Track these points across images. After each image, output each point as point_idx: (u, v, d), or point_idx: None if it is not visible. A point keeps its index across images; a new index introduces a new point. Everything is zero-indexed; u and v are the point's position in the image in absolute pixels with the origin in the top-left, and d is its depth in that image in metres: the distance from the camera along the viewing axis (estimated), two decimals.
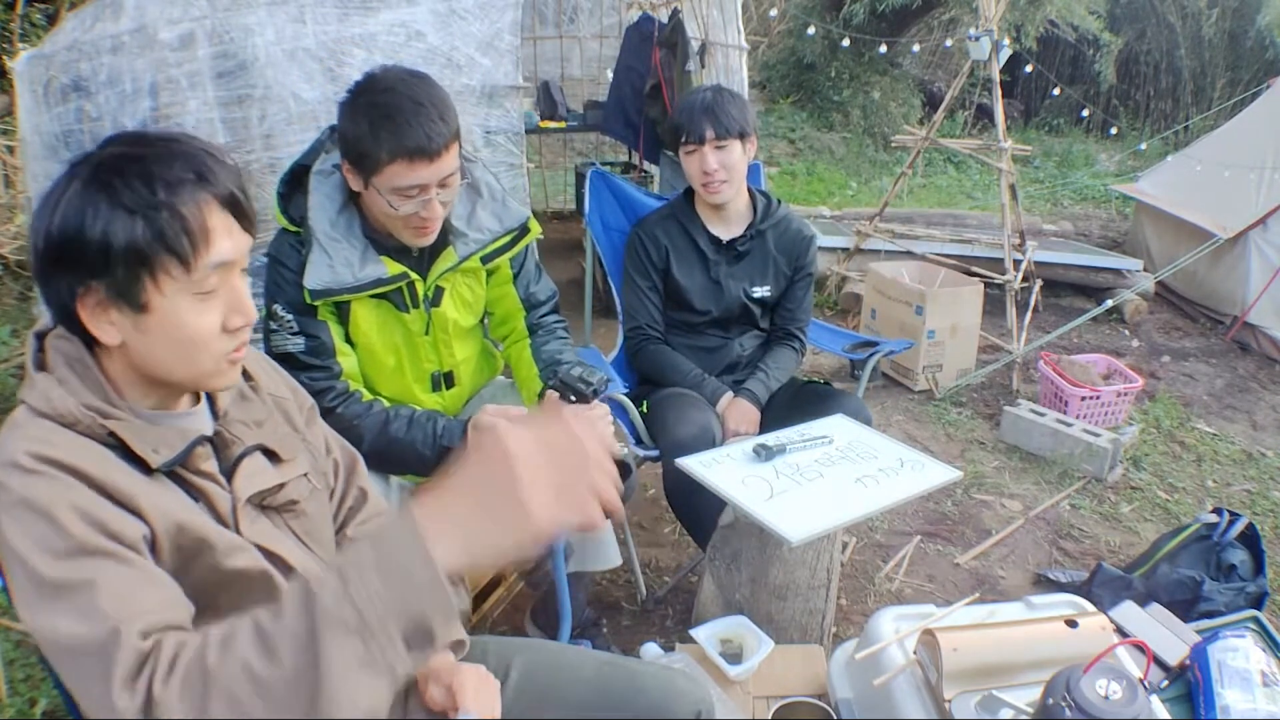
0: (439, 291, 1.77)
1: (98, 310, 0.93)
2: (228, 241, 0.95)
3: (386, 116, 1.50)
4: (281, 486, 1.11)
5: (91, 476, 0.90)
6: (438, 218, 1.63)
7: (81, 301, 0.93)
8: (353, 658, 0.72)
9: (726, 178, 2.24)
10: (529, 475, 0.74)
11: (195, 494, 1.01)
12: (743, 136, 2.24)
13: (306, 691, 0.73)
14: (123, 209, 0.89)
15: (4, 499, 0.87)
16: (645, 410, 2.23)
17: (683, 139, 2.24)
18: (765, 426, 2.24)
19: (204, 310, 0.96)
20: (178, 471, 0.99)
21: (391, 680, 0.73)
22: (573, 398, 1.65)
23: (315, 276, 1.61)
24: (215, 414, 1.08)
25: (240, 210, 0.97)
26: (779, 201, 2.44)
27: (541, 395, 1.81)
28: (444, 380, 1.86)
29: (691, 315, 2.39)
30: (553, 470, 0.75)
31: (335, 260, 1.62)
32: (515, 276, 1.91)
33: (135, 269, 0.91)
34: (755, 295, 2.38)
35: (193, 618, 0.90)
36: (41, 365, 0.97)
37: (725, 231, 2.37)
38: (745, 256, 2.37)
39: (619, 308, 2.48)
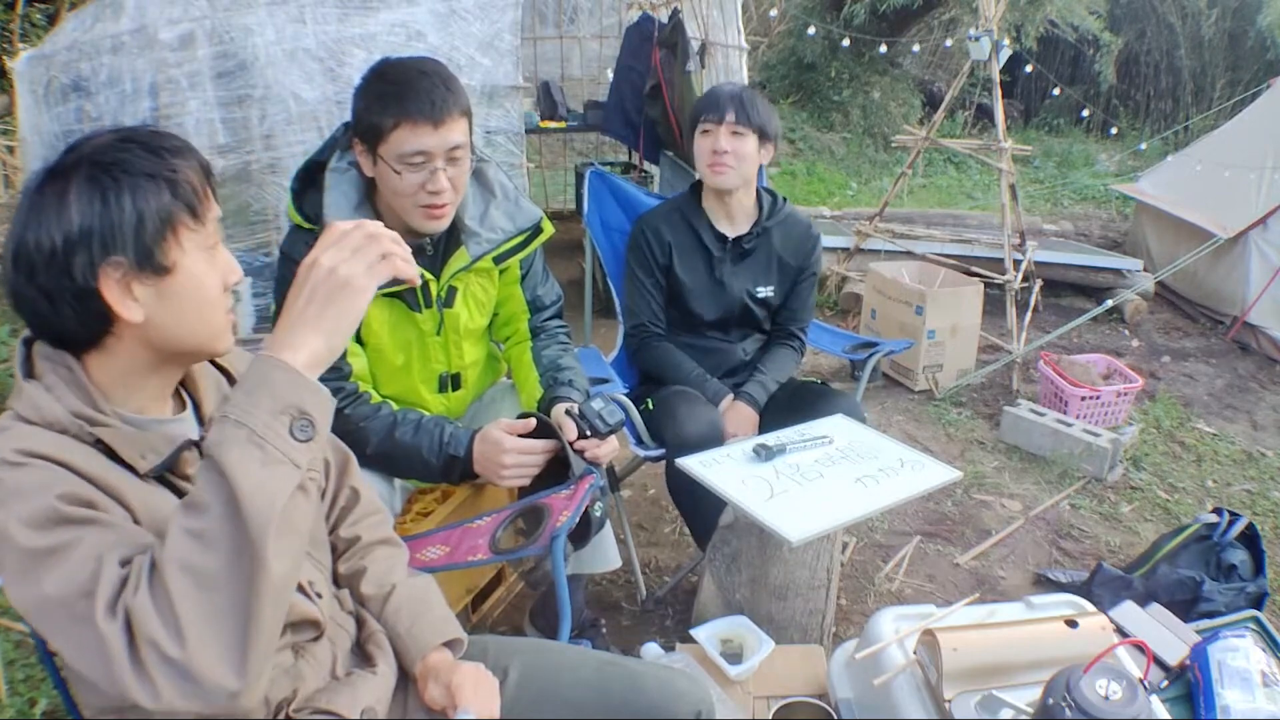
0: (452, 292, 1.77)
1: (121, 286, 0.94)
2: (214, 201, 1.04)
3: (393, 84, 1.56)
4: None
5: (79, 469, 0.91)
6: (446, 196, 1.61)
7: (104, 281, 0.93)
8: (255, 462, 0.82)
9: (735, 164, 2.23)
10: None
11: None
12: (762, 135, 2.23)
13: (230, 509, 0.81)
14: (144, 176, 0.94)
15: None
16: (649, 408, 2.22)
17: (702, 116, 2.24)
18: (764, 427, 2.23)
19: (212, 266, 1.01)
20: (167, 476, 1.00)
21: (293, 468, 0.84)
22: (588, 432, 1.65)
23: None
24: (201, 419, 1.09)
25: (211, 179, 1.05)
26: (784, 200, 2.43)
27: (540, 402, 1.81)
28: (451, 382, 1.86)
29: (692, 315, 2.38)
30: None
31: None
32: (523, 278, 1.90)
33: (162, 229, 0.95)
34: (759, 296, 2.37)
35: None
36: (30, 373, 0.97)
37: (731, 229, 2.36)
38: (750, 255, 2.36)
39: (619, 308, 2.47)
